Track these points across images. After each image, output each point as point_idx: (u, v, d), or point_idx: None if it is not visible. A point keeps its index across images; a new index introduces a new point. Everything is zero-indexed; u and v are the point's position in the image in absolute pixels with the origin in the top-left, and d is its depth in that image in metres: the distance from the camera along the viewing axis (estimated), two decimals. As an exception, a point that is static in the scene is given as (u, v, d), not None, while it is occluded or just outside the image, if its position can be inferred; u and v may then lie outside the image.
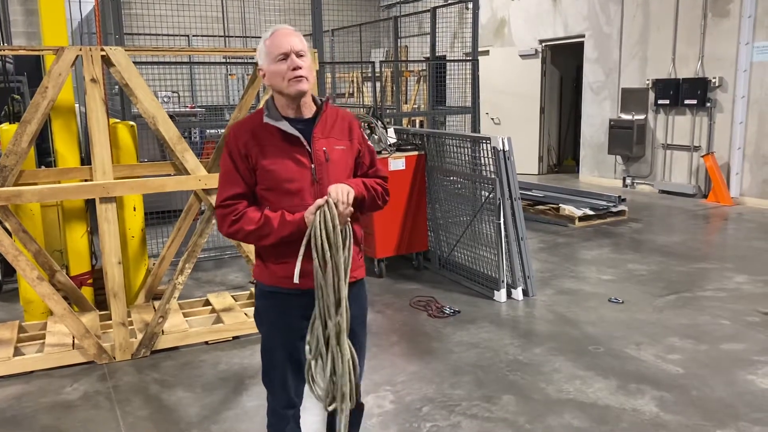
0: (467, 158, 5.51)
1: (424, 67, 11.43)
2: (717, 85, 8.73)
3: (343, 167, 2.22)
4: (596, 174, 10.81)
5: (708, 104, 8.82)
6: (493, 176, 5.05)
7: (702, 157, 8.90)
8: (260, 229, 2.10)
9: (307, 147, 2.14)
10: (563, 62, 11.94)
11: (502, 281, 5.03)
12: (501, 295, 5.02)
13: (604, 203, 7.92)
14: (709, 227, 7.74)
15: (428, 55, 10.52)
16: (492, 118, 12.21)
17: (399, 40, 12.17)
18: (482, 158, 5.20)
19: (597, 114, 10.62)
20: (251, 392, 3.59)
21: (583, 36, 10.72)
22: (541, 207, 8.12)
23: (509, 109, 12.03)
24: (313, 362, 2.12)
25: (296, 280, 2.02)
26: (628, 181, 10.18)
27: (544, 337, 4.33)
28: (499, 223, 4.99)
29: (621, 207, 7.91)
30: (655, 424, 3.14)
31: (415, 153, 5.65)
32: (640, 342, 4.16)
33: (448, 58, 11.87)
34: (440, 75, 10.05)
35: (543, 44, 11.57)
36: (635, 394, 3.44)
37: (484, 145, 5.13)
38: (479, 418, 3.23)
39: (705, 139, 9.00)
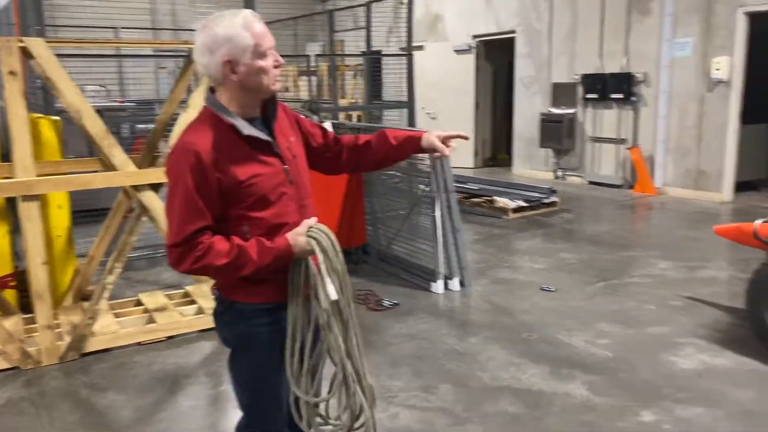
0: (403, 152, 5.53)
1: (361, 62, 11.43)
2: (641, 80, 9.10)
3: (304, 160, 2.08)
4: (529, 167, 11.09)
5: (633, 98, 9.19)
6: (428, 170, 5.11)
7: (628, 149, 9.27)
8: (234, 261, 1.82)
9: (276, 149, 1.94)
10: (496, 57, 12.17)
11: (439, 273, 5.10)
12: (438, 286, 5.08)
13: (536, 195, 8.13)
14: (636, 216, 8.07)
15: (364, 49, 10.52)
16: (428, 113, 12.32)
17: (334, 34, 12.11)
18: (418, 152, 5.23)
19: (529, 108, 10.88)
20: (187, 392, 3.52)
21: (515, 32, 10.95)
22: (476, 200, 8.27)
23: (445, 103, 12.17)
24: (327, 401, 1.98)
25: (334, 296, 1.88)
26: (560, 173, 10.49)
27: (479, 326, 4.42)
28: (435, 216, 5.05)
29: (552, 198, 8.14)
30: (585, 406, 3.26)
31: (352, 147, 5.64)
32: (572, 328, 4.30)
33: (383, 53, 11.90)
34: (376, 70, 10.06)
35: (476, 40, 11.75)
36: (567, 379, 3.56)
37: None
38: (417, 408, 3.27)
39: (631, 132, 9.37)
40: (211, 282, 4.57)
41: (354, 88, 12.47)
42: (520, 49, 10.92)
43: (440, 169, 5.03)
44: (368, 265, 5.87)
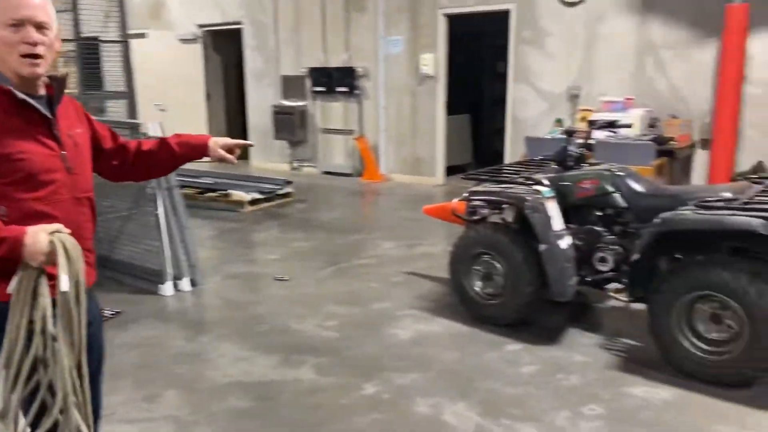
0: (119, 147, 5.13)
1: (73, 47, 10.30)
2: (362, 74, 9.69)
3: (88, 153, 1.96)
4: (266, 159, 11.13)
5: (356, 91, 9.75)
6: (148, 165, 4.79)
7: (355, 139, 9.83)
8: None
9: (55, 130, 1.79)
10: (226, 48, 11.94)
11: (168, 274, 4.84)
12: (167, 288, 4.82)
13: (271, 186, 8.20)
14: (364, 202, 8.61)
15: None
16: (156, 105, 11.64)
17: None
18: (135, 146, 4.89)
19: (261, 101, 10.91)
20: None
21: (241, 23, 10.86)
22: (211, 194, 8.06)
23: (175, 95, 11.60)
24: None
25: (65, 287, 1.68)
26: (295, 164, 10.72)
27: (211, 324, 4.30)
28: (157, 214, 4.78)
29: (287, 189, 8.28)
30: (313, 389, 3.36)
31: (58, 143, 5.06)
32: (303, 314, 4.41)
33: (101, 39, 10.89)
34: (93, 57, 9.14)
35: (202, 29, 11.39)
36: (297, 365, 3.64)
37: (136, 131, 4.83)
38: (139, 421, 3.05)
39: (356, 123, 9.94)
40: None
41: (68, 77, 11.25)
42: (248, 40, 10.87)
43: (161, 164, 4.76)
44: (88, 273, 5.33)
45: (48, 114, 1.79)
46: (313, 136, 10.46)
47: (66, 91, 1.87)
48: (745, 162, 6.94)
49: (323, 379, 3.47)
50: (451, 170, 9.52)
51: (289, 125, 10.34)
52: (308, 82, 10.22)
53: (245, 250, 6.14)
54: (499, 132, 9.24)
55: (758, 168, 6.68)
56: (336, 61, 9.91)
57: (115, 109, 10.15)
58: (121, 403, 3.20)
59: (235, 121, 12.53)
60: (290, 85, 10.46)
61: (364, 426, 3.01)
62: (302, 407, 3.19)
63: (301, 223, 7.17)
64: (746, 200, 3.30)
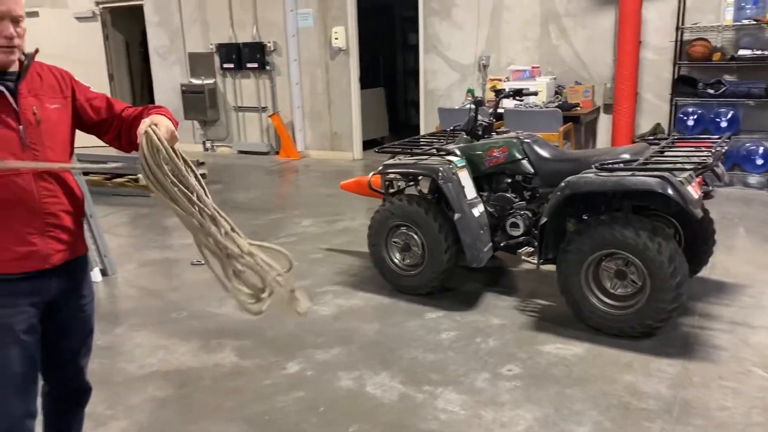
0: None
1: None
2: (273, 49, 9.47)
3: (61, 129, 1.97)
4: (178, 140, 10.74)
5: (268, 67, 9.53)
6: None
7: (269, 117, 9.63)
8: None
9: (14, 105, 1.82)
10: (127, 26, 11.38)
11: (75, 265, 4.61)
12: (75, 280, 4.61)
13: (183, 169, 7.92)
14: (282, 181, 8.49)
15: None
16: (55, 88, 10.99)
17: None
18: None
19: (168, 79, 10.48)
20: None
21: (142, -1, 10.37)
22: (119, 180, 7.72)
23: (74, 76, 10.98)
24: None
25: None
26: (208, 144, 10.41)
27: (125, 314, 4.15)
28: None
29: (201, 170, 8.03)
30: (234, 372, 3.32)
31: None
32: (223, 298, 4.30)
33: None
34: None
35: (101, 6, 10.79)
36: (216, 350, 3.57)
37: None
38: (51, 421, 2.92)
39: (270, 100, 9.73)
40: None
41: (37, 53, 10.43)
42: (150, 17, 10.38)
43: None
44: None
45: (5, 91, 1.81)
46: (226, 115, 10.18)
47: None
48: (644, 125, 7.30)
49: (244, 361, 3.43)
50: (368, 144, 9.51)
51: (200, 104, 10.00)
52: (217, 59, 9.89)
53: (159, 235, 5.94)
54: (415, 104, 9.30)
55: (656, 129, 7.05)
56: (245, 36, 9.63)
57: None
58: (30, 404, 3.05)
59: (143, 102, 12.03)
60: (198, 62, 10.09)
61: (287, 404, 3.00)
62: (223, 391, 3.14)
63: (217, 204, 6.96)
64: (644, 161, 3.47)
